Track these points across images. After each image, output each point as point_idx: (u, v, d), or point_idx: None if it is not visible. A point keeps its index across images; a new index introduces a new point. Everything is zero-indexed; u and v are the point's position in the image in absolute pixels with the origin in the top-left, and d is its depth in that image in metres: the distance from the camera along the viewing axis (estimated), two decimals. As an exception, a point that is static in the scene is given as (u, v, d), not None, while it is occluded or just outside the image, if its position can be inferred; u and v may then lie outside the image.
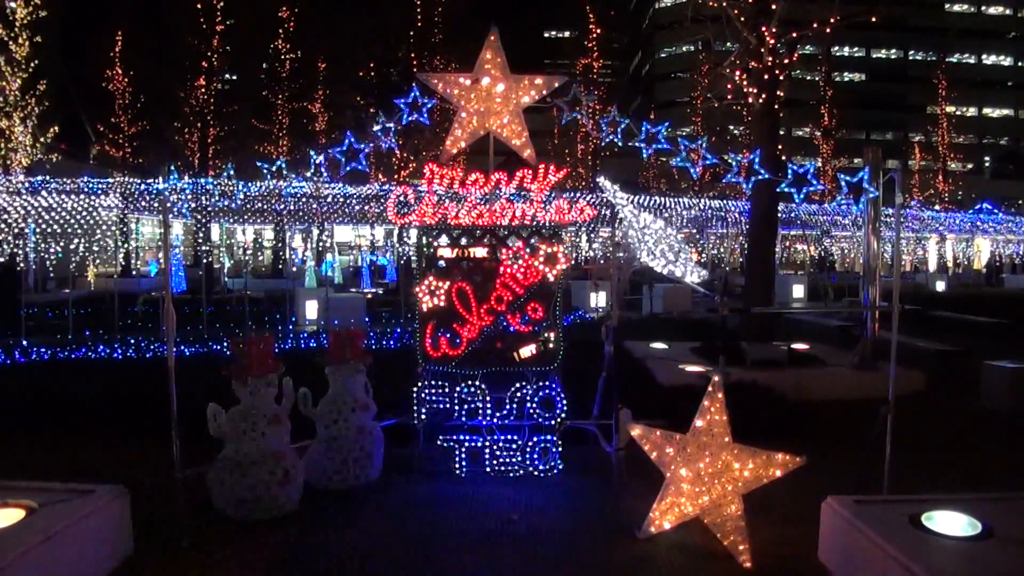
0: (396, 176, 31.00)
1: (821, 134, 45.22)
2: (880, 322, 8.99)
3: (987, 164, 69.32)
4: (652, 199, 29.30)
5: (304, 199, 25.04)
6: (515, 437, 5.45)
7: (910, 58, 73.12)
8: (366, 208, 26.36)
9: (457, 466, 5.44)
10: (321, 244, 29.49)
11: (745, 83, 10.75)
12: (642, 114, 53.88)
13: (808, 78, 45.52)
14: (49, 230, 21.24)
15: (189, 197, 20.08)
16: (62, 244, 20.70)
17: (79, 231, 20.98)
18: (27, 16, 23.42)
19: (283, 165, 6.20)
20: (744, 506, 4.12)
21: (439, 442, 5.47)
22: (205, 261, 22.93)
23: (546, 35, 77.32)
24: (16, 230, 20.34)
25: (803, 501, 4.59)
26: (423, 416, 5.52)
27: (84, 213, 21.45)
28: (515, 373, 5.54)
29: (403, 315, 13.04)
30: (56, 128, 25.55)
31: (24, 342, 9.99)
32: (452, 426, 5.50)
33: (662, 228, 5.92)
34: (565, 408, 5.45)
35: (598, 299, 16.40)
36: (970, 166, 67.75)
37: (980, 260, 42.21)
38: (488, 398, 5.45)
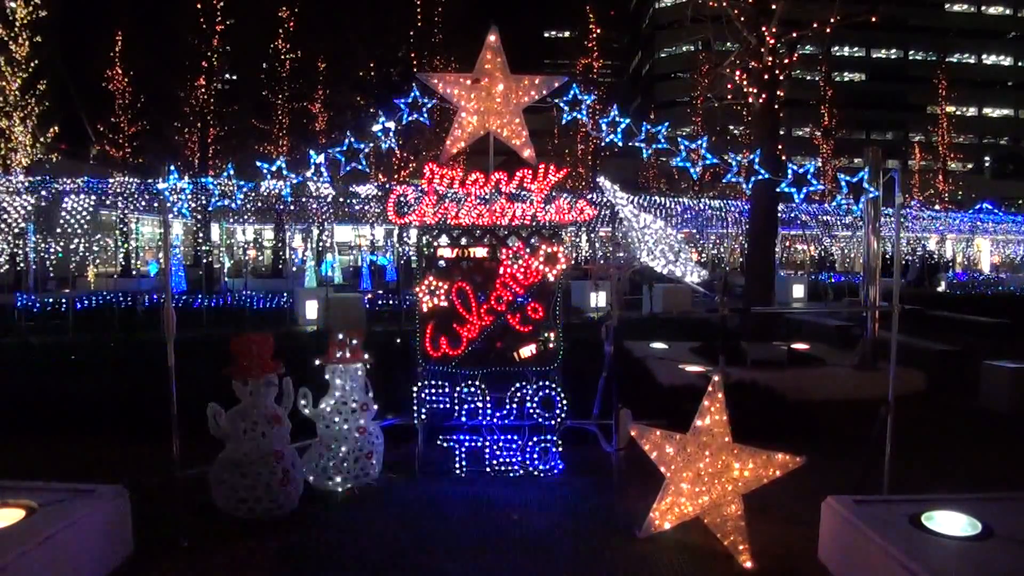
0: (396, 176, 31.02)
1: (821, 134, 45.18)
2: (880, 322, 8.99)
3: (987, 164, 69.30)
4: (652, 199, 29.29)
5: (304, 199, 25.04)
6: (515, 437, 5.46)
7: (910, 58, 73.09)
8: (366, 208, 26.35)
9: (457, 466, 5.44)
10: (321, 244, 29.49)
11: (745, 83, 10.75)
12: (642, 114, 53.87)
13: (808, 78, 45.50)
14: (49, 230, 21.22)
15: (189, 197, 20.09)
16: (62, 244, 20.69)
17: (79, 231, 20.98)
18: (27, 16, 23.41)
19: (283, 165, 6.19)
20: (744, 506, 4.12)
21: (439, 442, 5.47)
22: (205, 261, 22.94)
23: (546, 35, 77.30)
24: (16, 230, 20.33)
25: (803, 501, 4.59)
26: (423, 416, 5.52)
27: (84, 213, 21.44)
28: (515, 373, 5.54)
29: (402, 315, 13.04)
30: (56, 128, 25.54)
31: (24, 342, 9.99)
32: (452, 426, 5.50)
33: (662, 228, 5.91)
34: (565, 408, 5.45)
35: (598, 299, 16.41)
36: (970, 166, 67.72)
37: (981, 260, 42.19)
38: (488, 398, 5.45)
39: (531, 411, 5.41)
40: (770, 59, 10.29)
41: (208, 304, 15.22)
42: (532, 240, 5.58)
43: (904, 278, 28.54)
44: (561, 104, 6.19)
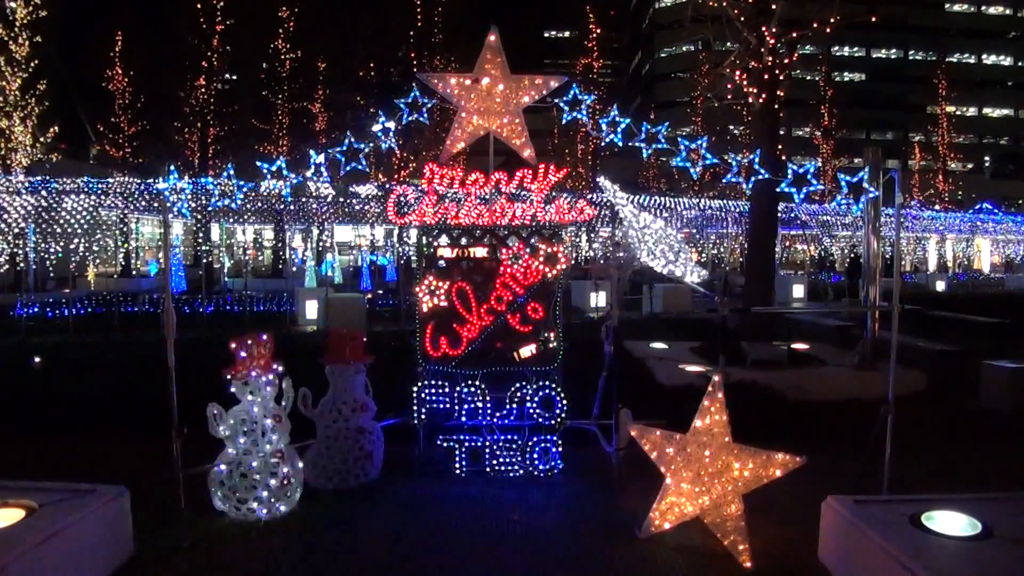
0: (396, 176, 31.03)
1: (821, 134, 45.23)
2: (880, 322, 8.99)
3: (987, 164, 69.30)
4: (652, 199, 29.32)
5: (304, 199, 25.07)
6: (515, 437, 5.45)
7: (910, 58, 73.07)
8: (366, 208, 26.37)
9: (457, 466, 5.44)
10: (321, 244, 29.50)
11: (745, 83, 10.75)
12: (642, 114, 53.87)
13: (808, 78, 45.51)
14: (49, 230, 21.25)
15: (189, 197, 20.08)
16: (62, 244, 20.71)
17: (79, 231, 20.99)
18: (27, 16, 23.42)
19: (283, 165, 6.19)
20: (744, 506, 4.12)
21: (439, 442, 5.47)
22: (205, 261, 22.95)
23: (546, 35, 77.37)
24: (16, 230, 20.33)
25: (803, 501, 4.58)
26: (423, 416, 5.52)
27: (84, 213, 21.46)
28: (515, 373, 5.53)
29: (402, 315, 13.04)
30: (56, 128, 25.55)
31: (24, 342, 9.99)
32: (452, 426, 5.50)
33: (662, 228, 5.91)
34: (565, 408, 5.45)
35: (598, 299, 16.41)
36: (970, 166, 67.73)
37: (981, 260, 42.21)
38: (488, 398, 5.44)
39: (531, 411, 5.41)
40: (770, 59, 10.28)
41: (209, 303, 15.20)
42: (532, 240, 5.58)
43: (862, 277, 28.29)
44: (561, 104, 6.19)
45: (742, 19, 10.53)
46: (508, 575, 4.01)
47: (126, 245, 26.24)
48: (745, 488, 4.14)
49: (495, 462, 5.42)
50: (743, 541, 4.05)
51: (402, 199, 5.95)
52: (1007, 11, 73.65)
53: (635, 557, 4.15)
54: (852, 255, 29.98)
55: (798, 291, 20.82)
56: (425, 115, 6.19)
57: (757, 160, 5.94)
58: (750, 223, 11.81)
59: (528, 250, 5.55)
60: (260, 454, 4.59)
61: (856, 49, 72.11)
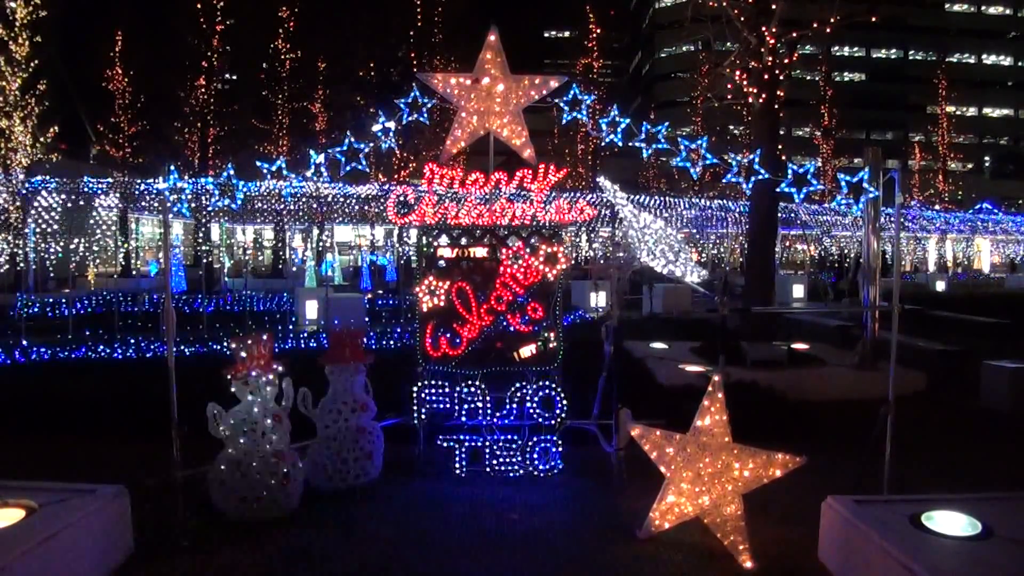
0: (396, 176, 31.04)
1: (821, 134, 45.24)
2: (880, 322, 8.99)
3: (987, 164, 69.34)
4: (652, 199, 29.34)
5: (304, 199, 25.08)
6: (515, 437, 5.46)
7: (910, 58, 73.10)
8: (366, 208, 26.38)
9: (457, 466, 5.44)
10: (321, 244, 29.51)
11: (745, 83, 10.75)
12: (642, 114, 53.84)
13: (808, 78, 45.54)
14: (49, 230, 21.26)
15: (189, 197, 20.09)
16: (62, 244, 20.72)
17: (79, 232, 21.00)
18: (27, 16, 23.40)
19: (283, 165, 6.18)
20: (744, 506, 4.12)
21: (439, 442, 5.47)
22: (205, 261, 22.96)
23: (546, 35, 77.38)
24: (16, 230, 20.35)
25: (803, 501, 4.59)
26: (423, 416, 5.52)
27: (84, 213, 21.47)
28: (515, 373, 5.54)
29: (402, 315, 13.04)
30: (56, 128, 25.53)
31: (24, 342, 9.99)
32: (452, 426, 5.50)
33: (662, 228, 5.91)
34: (565, 408, 5.45)
35: (598, 299, 16.40)
36: (970, 166, 67.77)
37: (981, 260, 42.25)
38: (488, 398, 5.45)
39: (531, 411, 5.41)
40: (770, 59, 10.28)
41: (209, 303, 15.20)
42: (532, 240, 5.58)
43: (850, 275, 28.09)
44: (561, 104, 6.19)
45: (742, 19, 10.53)
46: (508, 575, 4.01)
47: (126, 245, 26.24)
48: (745, 488, 4.14)
49: (495, 462, 5.42)
50: (743, 541, 4.05)
51: (402, 199, 5.94)
52: (1007, 11, 73.67)
53: (635, 557, 4.15)
54: (848, 258, 30.01)
55: (798, 291, 20.80)
56: (425, 115, 6.19)
57: (757, 160, 5.94)
58: (750, 223, 11.81)
59: (528, 250, 5.55)
60: (260, 454, 4.59)
61: (856, 49, 72.13)
